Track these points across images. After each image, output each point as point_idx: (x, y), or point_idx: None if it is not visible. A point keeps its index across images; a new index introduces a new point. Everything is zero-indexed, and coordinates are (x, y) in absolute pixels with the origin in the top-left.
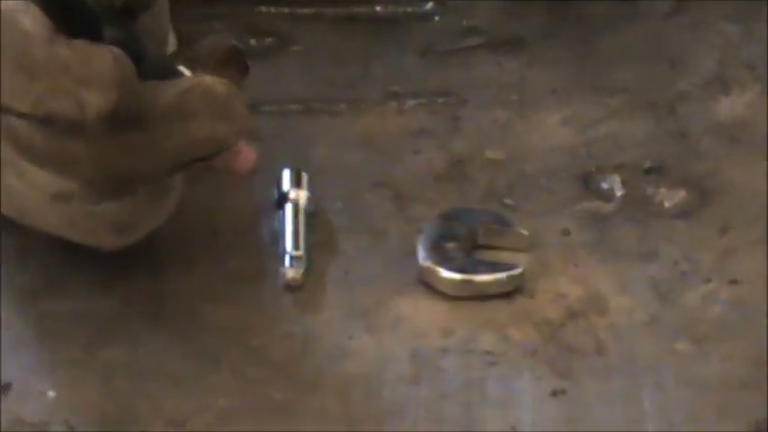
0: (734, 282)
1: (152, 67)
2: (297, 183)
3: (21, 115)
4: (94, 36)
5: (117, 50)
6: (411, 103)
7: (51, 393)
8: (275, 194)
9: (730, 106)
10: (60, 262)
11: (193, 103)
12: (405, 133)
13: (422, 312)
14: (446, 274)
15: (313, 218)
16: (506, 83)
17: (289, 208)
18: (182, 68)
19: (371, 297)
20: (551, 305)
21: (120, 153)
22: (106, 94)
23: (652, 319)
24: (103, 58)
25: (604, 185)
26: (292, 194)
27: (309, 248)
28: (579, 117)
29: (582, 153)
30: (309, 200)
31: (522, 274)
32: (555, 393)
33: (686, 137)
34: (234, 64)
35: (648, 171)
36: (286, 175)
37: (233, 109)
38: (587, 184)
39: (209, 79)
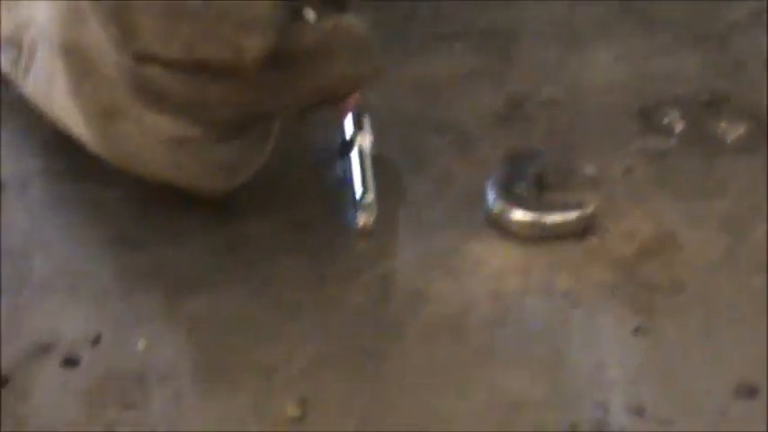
0: None
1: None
2: (360, 127)
3: (165, 63)
4: None
5: None
6: (460, 44)
7: (141, 345)
8: (338, 139)
9: None
10: (134, 214)
11: (337, 43)
12: (458, 75)
13: (497, 255)
14: (517, 216)
15: (377, 163)
16: (555, 20)
17: (355, 153)
18: (306, 11)
19: (445, 241)
20: (624, 243)
21: (262, 94)
22: (266, 39)
23: (726, 254)
24: (262, 3)
25: (663, 120)
26: (357, 139)
27: (377, 192)
28: (631, 52)
29: (638, 89)
30: (374, 144)
31: (592, 214)
32: (637, 331)
33: (740, 68)
34: (333, 2)
35: (707, 105)
36: (349, 119)
37: (371, 49)
38: (647, 120)
39: (349, 20)
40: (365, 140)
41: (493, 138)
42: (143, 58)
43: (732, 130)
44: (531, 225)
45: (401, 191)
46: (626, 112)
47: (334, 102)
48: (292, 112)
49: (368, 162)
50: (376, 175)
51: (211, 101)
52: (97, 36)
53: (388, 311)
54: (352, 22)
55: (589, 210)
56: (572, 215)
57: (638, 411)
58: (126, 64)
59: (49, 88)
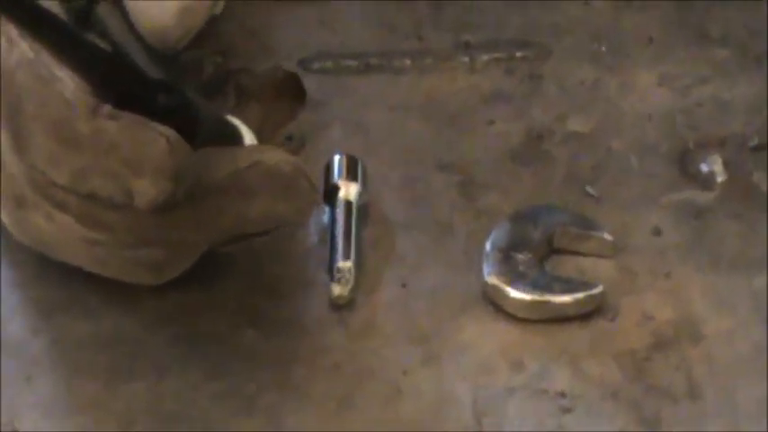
0: None
1: (207, 131)
2: (348, 173)
3: (56, 184)
4: (148, 104)
5: (172, 134)
6: (485, 57)
7: None
8: (323, 183)
9: None
10: (82, 273)
11: (255, 181)
12: (476, 97)
13: (488, 338)
14: (516, 294)
15: (367, 209)
16: (596, 29)
17: (339, 206)
18: (237, 123)
19: (431, 317)
20: (636, 330)
21: (166, 229)
22: (160, 186)
23: (755, 350)
24: (158, 145)
25: (704, 167)
26: (342, 190)
27: (361, 250)
28: (678, 75)
29: (680, 122)
30: (361, 194)
31: (602, 293)
32: None
33: None
34: (290, 92)
35: (756, 148)
36: (336, 163)
37: (298, 189)
38: (684, 165)
39: (273, 157)
40: (351, 191)
41: (504, 182)
42: (40, 172)
43: None
44: (531, 305)
45: (390, 247)
46: (661, 154)
47: (261, 236)
48: (212, 244)
49: (351, 218)
50: (362, 227)
51: (112, 226)
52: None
53: (356, 409)
54: (278, 159)
55: (599, 289)
56: (579, 295)
57: None
58: (24, 168)
59: None
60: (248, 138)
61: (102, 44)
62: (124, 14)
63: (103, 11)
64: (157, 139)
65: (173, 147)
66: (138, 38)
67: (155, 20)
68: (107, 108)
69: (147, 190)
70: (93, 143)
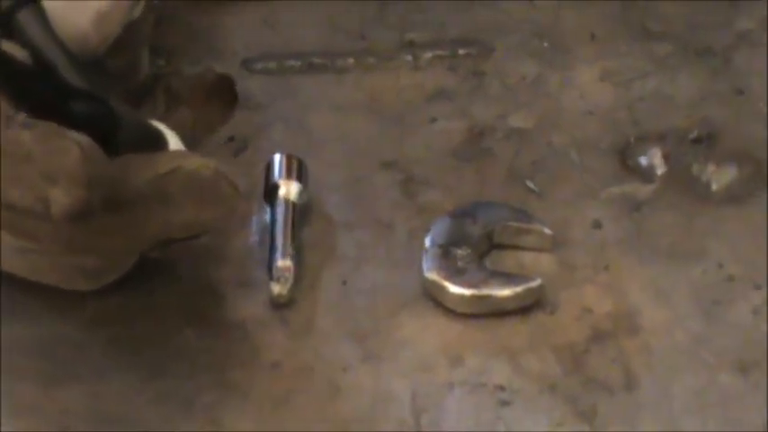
0: None
1: (129, 137)
2: (289, 172)
3: None
4: (63, 112)
5: (85, 141)
6: (428, 55)
7: None
8: (263, 183)
9: None
10: (20, 277)
11: (175, 187)
12: (420, 95)
13: (427, 334)
14: (455, 289)
15: (308, 209)
16: (538, 26)
17: (279, 205)
18: (161, 127)
19: (371, 314)
20: (575, 323)
21: (91, 236)
22: (74, 194)
23: (693, 341)
24: (71, 153)
25: (644, 161)
26: (282, 189)
27: (302, 249)
28: (620, 70)
29: (621, 117)
30: (302, 192)
31: (541, 287)
32: None
33: (741, 94)
34: (221, 95)
35: (696, 141)
36: (276, 162)
37: (219, 193)
38: (625, 158)
39: (193, 162)
40: (291, 191)
41: (446, 179)
42: None
43: (720, 176)
44: (471, 300)
45: (330, 246)
46: (602, 148)
47: (191, 240)
48: (139, 251)
49: (290, 217)
50: (303, 226)
51: (38, 235)
52: None
53: (295, 407)
54: (198, 164)
55: (537, 282)
56: (517, 289)
57: None
58: None
59: None
60: (174, 143)
61: (23, 52)
62: (46, 21)
63: (25, 18)
64: (71, 147)
65: (86, 154)
66: (62, 45)
67: (73, 26)
68: (21, 117)
69: (60, 199)
70: (8, 153)
